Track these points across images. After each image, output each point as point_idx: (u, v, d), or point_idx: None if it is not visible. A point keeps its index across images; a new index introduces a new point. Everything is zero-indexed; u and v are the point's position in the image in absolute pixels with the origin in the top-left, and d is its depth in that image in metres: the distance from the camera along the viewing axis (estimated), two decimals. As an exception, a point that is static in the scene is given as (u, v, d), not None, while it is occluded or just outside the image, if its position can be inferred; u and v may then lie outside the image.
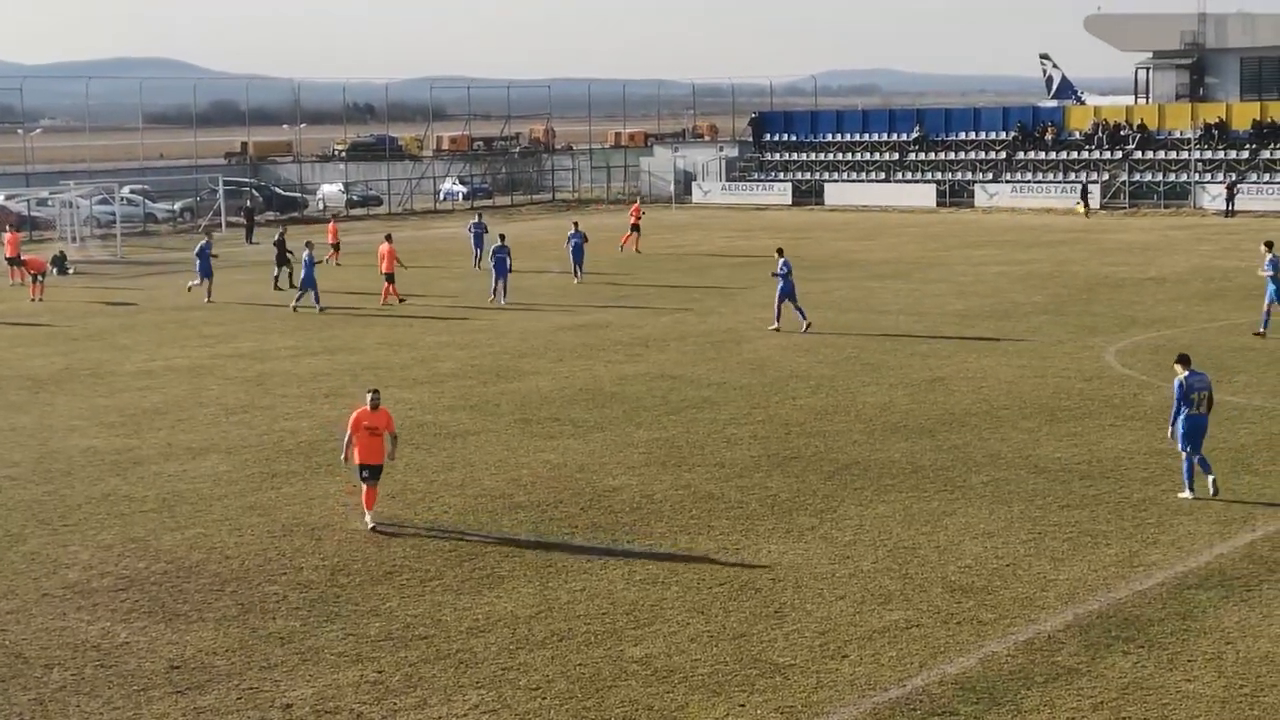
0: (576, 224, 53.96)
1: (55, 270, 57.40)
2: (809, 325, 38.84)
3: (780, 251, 40.77)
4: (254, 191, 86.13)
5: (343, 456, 22.16)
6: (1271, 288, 36.51)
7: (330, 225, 63.61)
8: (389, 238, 48.99)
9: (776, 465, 24.80)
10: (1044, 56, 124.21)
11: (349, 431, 21.66)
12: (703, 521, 21.62)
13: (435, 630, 17.41)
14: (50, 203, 77.67)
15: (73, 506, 23.14)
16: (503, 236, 48.53)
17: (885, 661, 16.14)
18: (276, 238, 53.75)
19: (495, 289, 46.41)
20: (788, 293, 39.29)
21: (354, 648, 16.90)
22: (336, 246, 60.59)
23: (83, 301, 49.73)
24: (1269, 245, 36.83)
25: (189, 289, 50.25)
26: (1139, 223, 72.67)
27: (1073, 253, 58.38)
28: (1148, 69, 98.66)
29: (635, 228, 63.99)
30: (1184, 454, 22.26)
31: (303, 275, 45.86)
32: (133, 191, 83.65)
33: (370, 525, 21.51)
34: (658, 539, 20.83)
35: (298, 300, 45.87)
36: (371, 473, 21.61)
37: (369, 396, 21.93)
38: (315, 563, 20.07)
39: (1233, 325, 38.86)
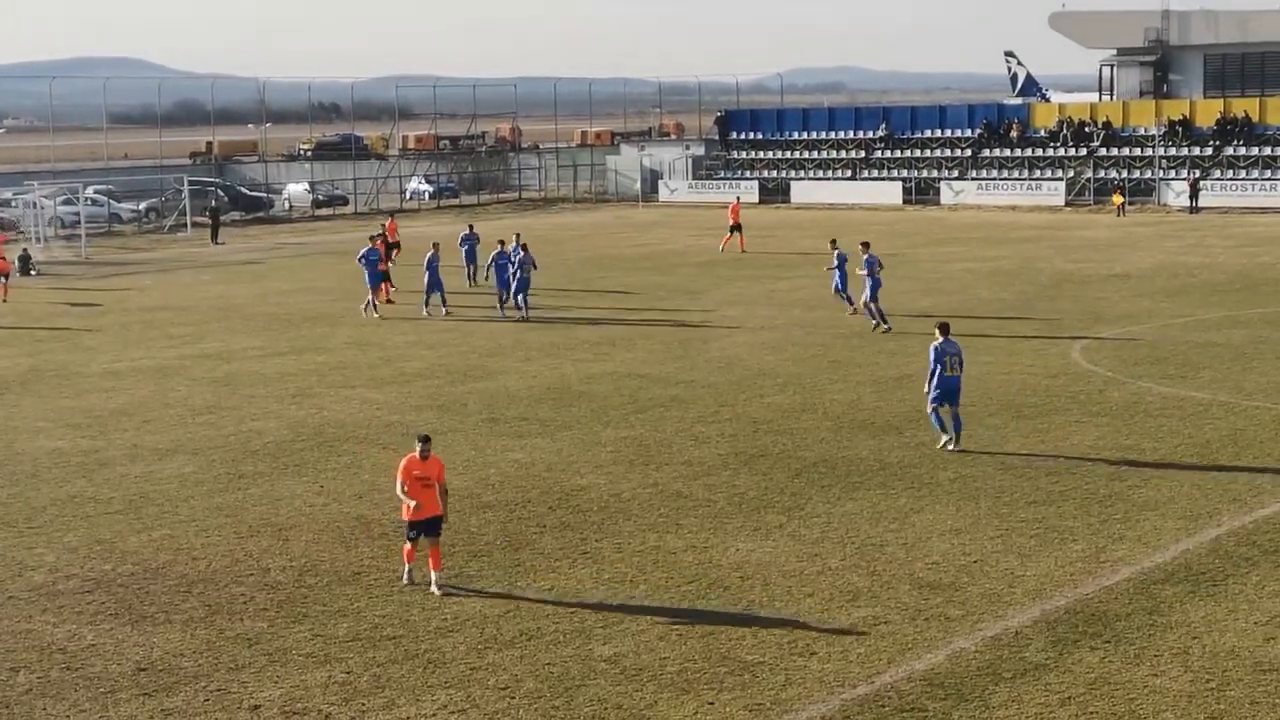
0: (471, 226, 52.91)
1: (20, 271, 57.15)
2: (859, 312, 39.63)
3: (834, 243, 41.73)
4: (219, 191, 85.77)
5: (404, 515, 19.04)
6: (869, 283, 38.26)
7: (389, 224, 58.79)
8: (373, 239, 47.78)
9: (744, 463, 24.82)
10: (1009, 54, 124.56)
11: (401, 481, 18.85)
12: (671, 520, 21.63)
13: (403, 630, 17.38)
14: (14, 203, 77.30)
15: (38, 509, 23.02)
16: (502, 242, 44.37)
17: (854, 658, 16.17)
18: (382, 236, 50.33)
19: (502, 297, 42.93)
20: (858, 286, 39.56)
21: (322, 648, 16.86)
22: (396, 245, 56.68)
23: (48, 302, 49.48)
24: (865, 245, 39.37)
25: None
26: (1104, 219, 72.96)
27: (1038, 250, 58.59)
28: (1112, 66, 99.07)
29: (736, 227, 61.09)
30: (932, 407, 25.45)
31: (428, 278, 43.17)
32: (97, 192, 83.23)
33: (436, 590, 18.66)
34: (626, 538, 20.83)
35: (426, 305, 43.60)
36: (426, 528, 18.80)
37: (419, 445, 18.94)
38: (282, 563, 20.01)
39: (1198, 321, 39.05)
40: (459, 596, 18.39)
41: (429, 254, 43.77)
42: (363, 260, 44.46)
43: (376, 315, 43.08)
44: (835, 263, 40.74)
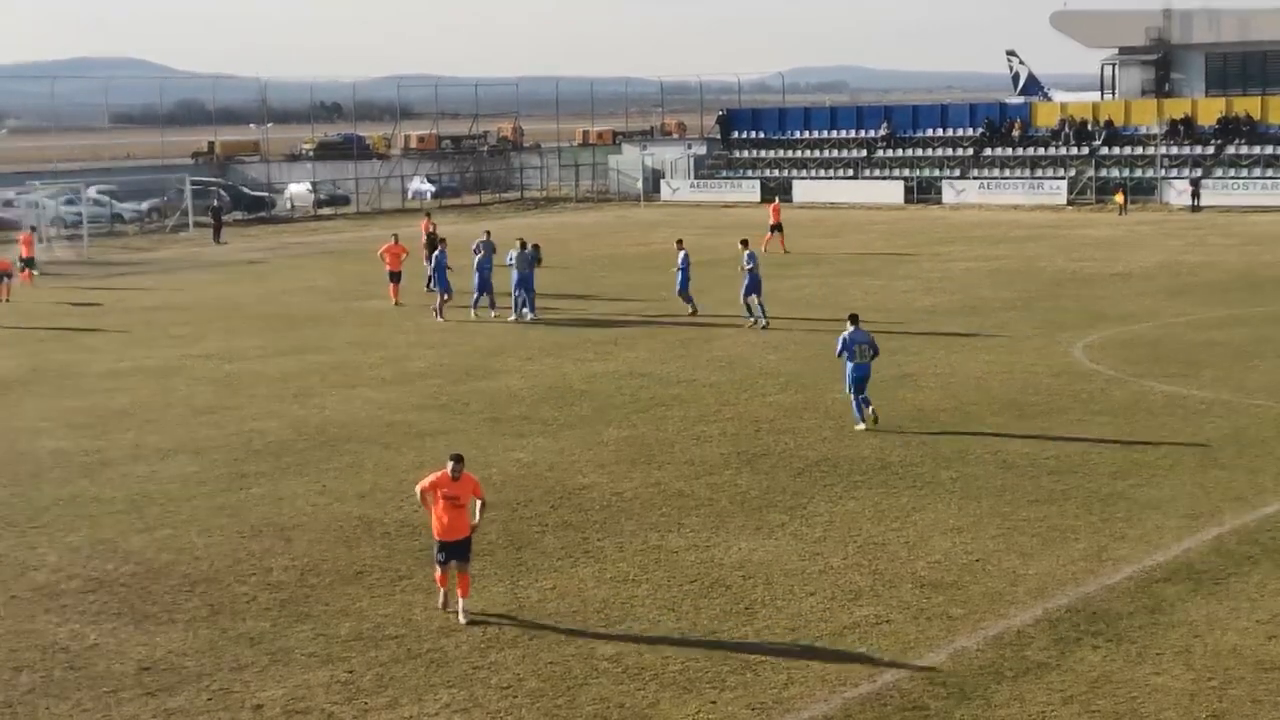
0: (489, 233, 45.71)
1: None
2: (695, 312, 41.03)
3: (744, 243, 41.42)
4: (221, 191, 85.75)
5: (434, 533, 17.97)
6: (748, 280, 39.45)
7: (424, 222, 56.77)
8: (396, 237, 47.48)
9: (746, 462, 24.83)
10: (1011, 53, 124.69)
11: (422, 491, 18.03)
12: (673, 519, 21.64)
13: (406, 630, 17.39)
14: (16, 203, 77.31)
15: (41, 508, 23.04)
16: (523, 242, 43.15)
17: (855, 657, 16.18)
18: (430, 235, 48.90)
19: (517, 301, 41.96)
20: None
21: (324, 648, 16.87)
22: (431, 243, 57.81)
23: (49, 302, 49.49)
24: (744, 243, 41.04)
25: None
26: (1105, 218, 72.94)
27: (1040, 249, 58.56)
28: (1114, 65, 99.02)
29: (776, 227, 60.21)
30: (852, 396, 27.11)
31: (476, 278, 42.22)
32: (99, 192, 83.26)
33: (463, 619, 17.60)
34: (628, 537, 20.84)
35: (485, 307, 42.77)
36: (454, 551, 17.70)
37: (450, 464, 17.74)
38: (285, 563, 20.02)
39: (1200, 320, 39.05)
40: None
41: (479, 255, 42.79)
42: (435, 263, 43.18)
43: (441, 319, 41.99)
44: (680, 264, 41.96)
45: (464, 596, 17.78)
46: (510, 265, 42.38)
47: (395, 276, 46.11)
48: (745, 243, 41.13)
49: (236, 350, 38.04)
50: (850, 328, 27.04)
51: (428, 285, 45.59)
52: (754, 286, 39.55)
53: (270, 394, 31.96)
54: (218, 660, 16.59)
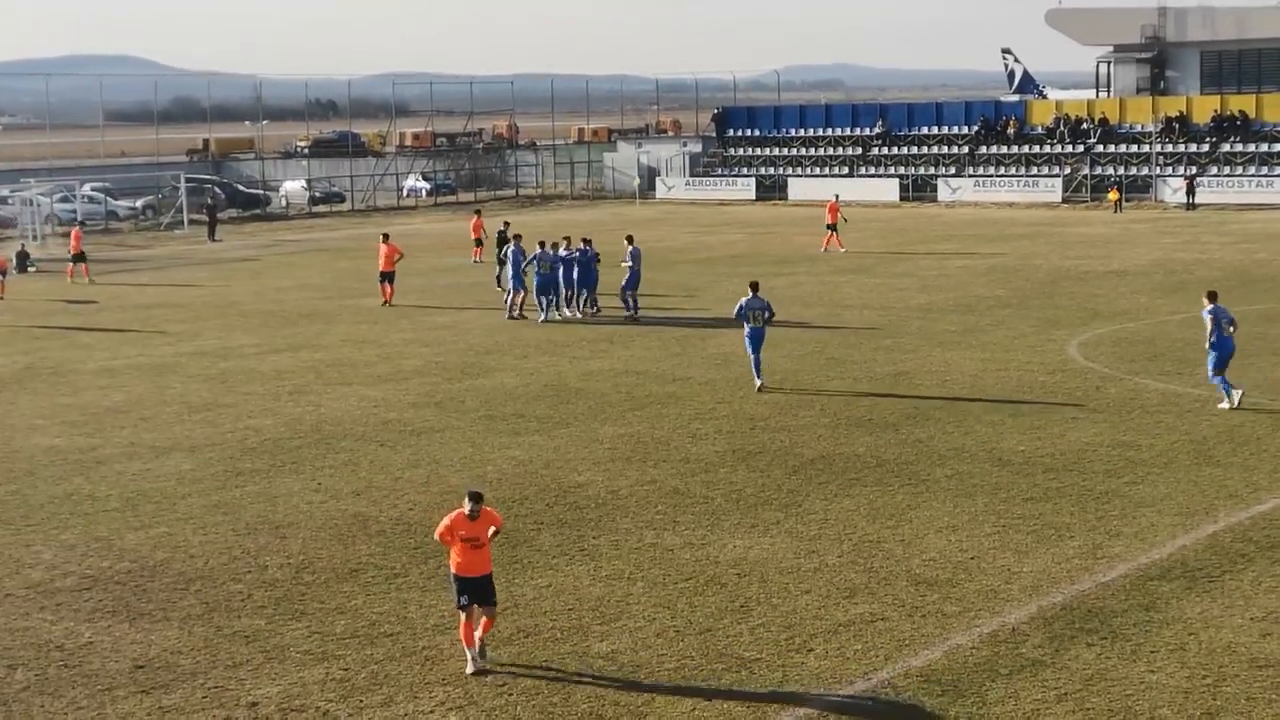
0: (517, 237, 43.87)
1: (17, 268, 57.25)
2: (633, 315, 41.09)
3: (629, 239, 42.69)
4: (216, 189, 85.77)
5: (451, 568, 16.52)
6: (629, 276, 41.28)
7: (475, 220, 58.42)
8: (386, 237, 47.15)
9: (741, 460, 24.83)
10: (1006, 51, 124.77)
11: (439, 538, 16.50)
12: (668, 517, 21.64)
13: (401, 627, 17.39)
14: (11, 201, 77.27)
15: (35, 506, 23.02)
16: (542, 243, 42.34)
17: (850, 655, 16.19)
18: (502, 232, 47.50)
19: (565, 300, 41.80)
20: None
21: (320, 645, 16.87)
22: (479, 242, 57.11)
23: (44, 300, 49.46)
24: (630, 239, 42.87)
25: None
26: (1101, 216, 72.99)
27: (1035, 247, 58.60)
28: (1109, 63, 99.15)
29: (832, 227, 59.44)
30: (750, 355, 30.75)
31: (578, 275, 41.78)
32: (94, 189, 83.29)
33: (473, 665, 16.06)
34: (623, 534, 20.84)
35: (582, 304, 42.28)
36: (476, 590, 16.16)
37: (468, 504, 16.21)
38: (280, 561, 20.02)
39: (1195, 318, 39.00)
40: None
41: (570, 252, 41.89)
42: (511, 260, 42.43)
43: (513, 317, 41.55)
44: (629, 260, 42.03)
45: (479, 640, 16.26)
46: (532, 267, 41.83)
47: (387, 276, 45.62)
48: (630, 239, 42.87)
49: (231, 348, 38.02)
50: (749, 294, 30.82)
51: (498, 282, 46.56)
52: (633, 282, 41.38)
53: (265, 391, 31.95)
54: (213, 658, 16.58)
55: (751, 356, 30.79)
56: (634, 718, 14.81)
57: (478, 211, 62.29)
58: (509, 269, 42.75)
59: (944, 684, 15.34)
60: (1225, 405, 27.83)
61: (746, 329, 30.72)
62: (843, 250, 57.90)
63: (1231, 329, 27.83)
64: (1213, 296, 28.39)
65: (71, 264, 55.17)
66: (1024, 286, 46.30)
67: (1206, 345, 28.09)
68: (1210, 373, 28.10)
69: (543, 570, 19.32)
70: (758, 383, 30.48)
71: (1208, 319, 27.81)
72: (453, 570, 16.34)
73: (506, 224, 49.17)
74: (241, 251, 66.25)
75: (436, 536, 16.52)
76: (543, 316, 41.15)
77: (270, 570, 19.64)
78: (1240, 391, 27.95)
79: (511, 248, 42.84)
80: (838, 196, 64.17)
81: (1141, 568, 18.84)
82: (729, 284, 47.71)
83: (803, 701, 15.04)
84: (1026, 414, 27.85)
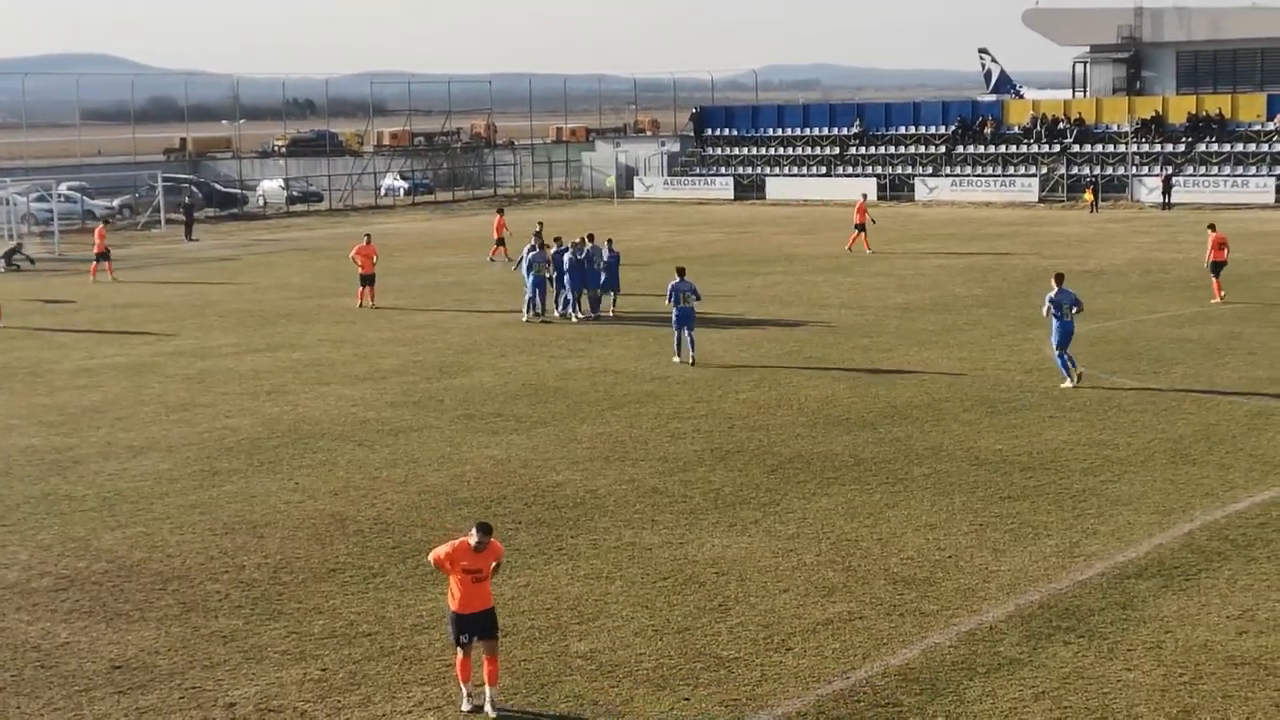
0: (555, 243, 42.92)
1: (4, 266, 57.46)
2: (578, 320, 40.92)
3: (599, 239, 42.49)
4: (193, 188, 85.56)
5: (450, 604, 15.19)
6: (530, 279, 41.32)
7: (498, 219, 57.91)
8: (368, 237, 46.87)
9: (720, 459, 24.85)
10: (983, 51, 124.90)
11: (435, 563, 15.24)
12: (646, 516, 21.65)
13: (379, 627, 17.36)
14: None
15: (11, 506, 22.94)
16: (559, 240, 42.68)
17: (829, 654, 16.21)
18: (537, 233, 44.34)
19: (575, 301, 41.52)
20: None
21: (297, 645, 16.84)
22: (501, 241, 56.63)
23: (21, 299, 49.27)
24: (558, 240, 42.88)
25: None
26: (1077, 215, 73.20)
27: (1012, 246, 58.75)
28: (1085, 63, 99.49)
29: (860, 227, 58.59)
30: (674, 331, 33.50)
31: (605, 277, 41.53)
32: (70, 189, 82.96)
33: (469, 704, 15.11)
34: (601, 534, 20.84)
35: (610, 306, 42.09)
36: (477, 626, 14.98)
37: (475, 535, 14.91)
38: (258, 560, 19.98)
39: (1171, 317, 39.22)
40: (436, 594, 18.32)
41: (608, 253, 41.62)
42: (553, 263, 41.69)
43: (577, 318, 41.17)
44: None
45: (492, 684, 15.03)
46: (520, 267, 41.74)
47: (367, 280, 44.82)
48: (559, 240, 42.82)
49: (209, 347, 37.93)
50: (677, 277, 33.53)
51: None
52: (594, 281, 41.86)
53: (243, 391, 31.88)
54: (190, 658, 16.54)
55: (676, 333, 33.52)
56: (612, 717, 14.81)
57: (500, 210, 62.14)
58: (522, 269, 42.12)
59: (922, 682, 15.37)
60: (1068, 384, 29.68)
61: (674, 310, 33.22)
62: (869, 252, 57.04)
63: (1075, 311, 29.66)
64: (1059, 279, 30.17)
65: (95, 262, 54.91)
66: (1001, 286, 46.41)
67: (1048, 320, 30.06)
68: (1054, 350, 30.18)
69: (521, 569, 19.31)
70: (677, 359, 33.27)
71: (1048, 303, 29.78)
72: (452, 608, 15.01)
73: (541, 225, 46.35)
74: (219, 251, 66.10)
75: (431, 560, 15.32)
76: (524, 317, 41.14)
77: (248, 570, 19.60)
78: (1081, 371, 30.01)
79: (531, 249, 41.76)
80: (865, 196, 63.60)
81: (1118, 566, 18.90)
82: (707, 282, 47.70)
83: (781, 701, 15.06)
84: (1003, 413, 27.91)
